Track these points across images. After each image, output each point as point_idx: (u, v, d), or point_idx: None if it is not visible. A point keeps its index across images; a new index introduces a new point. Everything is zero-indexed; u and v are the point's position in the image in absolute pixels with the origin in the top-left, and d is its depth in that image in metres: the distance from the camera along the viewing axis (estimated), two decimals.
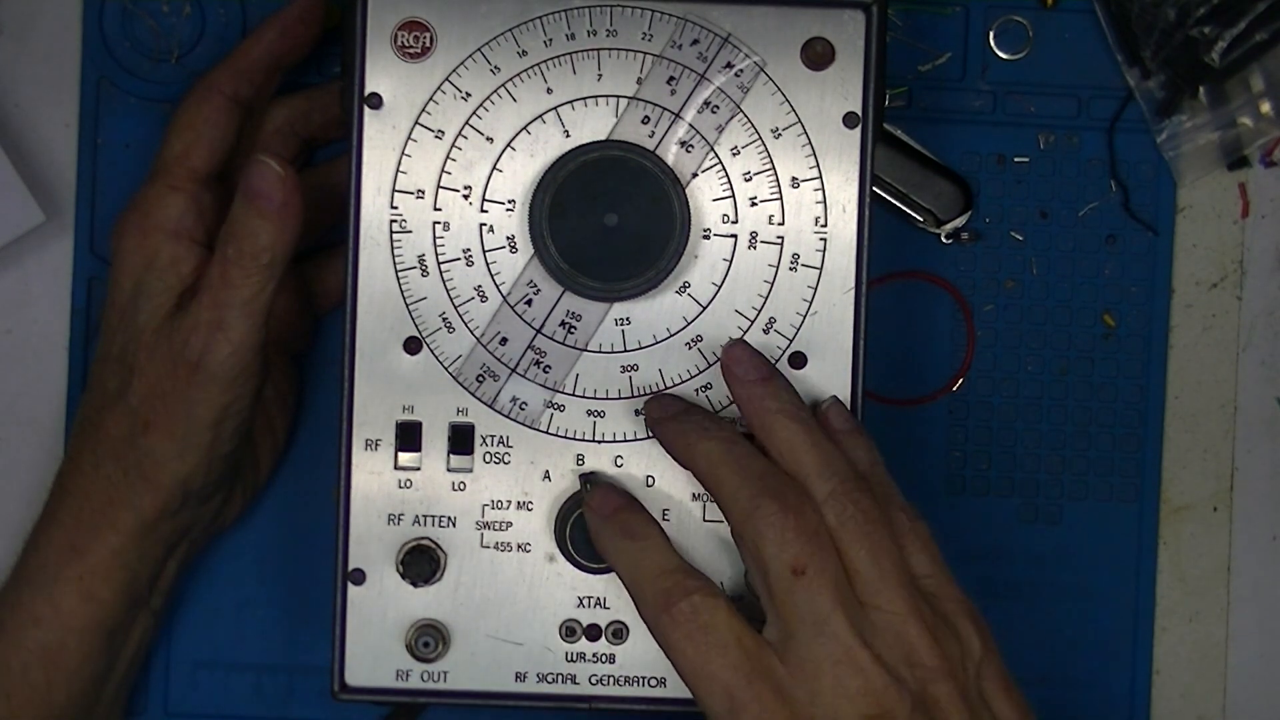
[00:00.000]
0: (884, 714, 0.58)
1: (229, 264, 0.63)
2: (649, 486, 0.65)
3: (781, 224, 0.65)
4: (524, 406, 0.65)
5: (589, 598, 0.65)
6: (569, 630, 0.65)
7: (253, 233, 0.62)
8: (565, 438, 0.65)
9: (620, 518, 0.62)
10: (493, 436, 0.65)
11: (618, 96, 0.64)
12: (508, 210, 0.64)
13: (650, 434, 0.64)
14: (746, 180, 0.65)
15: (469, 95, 0.64)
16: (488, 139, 0.64)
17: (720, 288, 0.65)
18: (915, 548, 0.61)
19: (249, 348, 0.63)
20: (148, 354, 0.64)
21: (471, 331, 0.64)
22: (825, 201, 0.65)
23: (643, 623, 0.60)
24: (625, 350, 0.64)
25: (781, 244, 0.65)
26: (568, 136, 0.64)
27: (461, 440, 0.65)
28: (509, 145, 0.64)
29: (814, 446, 0.61)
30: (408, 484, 0.65)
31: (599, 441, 0.65)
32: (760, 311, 0.65)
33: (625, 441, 0.65)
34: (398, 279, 0.64)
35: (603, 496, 0.63)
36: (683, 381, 0.65)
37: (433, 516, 0.65)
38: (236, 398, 0.64)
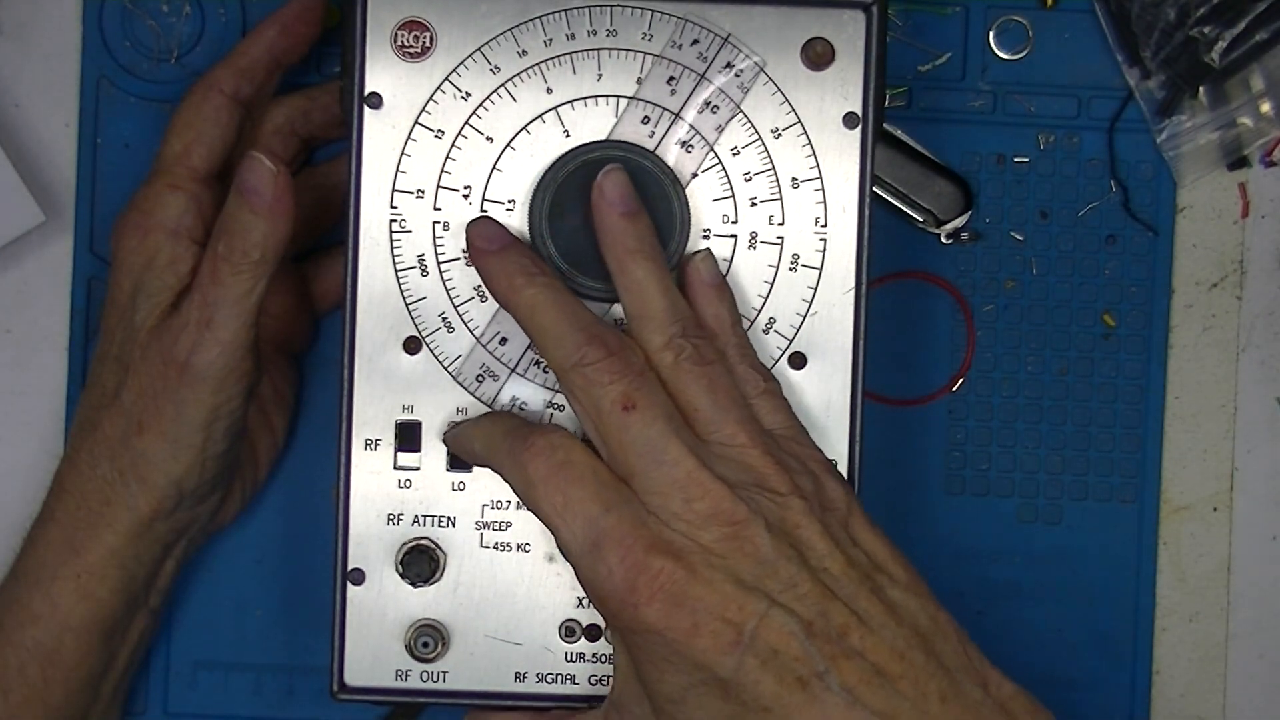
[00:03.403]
0: (738, 531, 0.58)
1: (219, 260, 0.63)
2: None
3: (781, 224, 0.65)
4: (524, 407, 0.64)
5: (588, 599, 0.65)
6: (568, 630, 0.65)
7: (244, 229, 0.62)
8: None
9: (468, 419, 0.64)
10: None
11: (618, 96, 0.64)
12: (508, 210, 0.64)
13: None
14: (746, 180, 0.65)
15: (469, 95, 0.64)
16: (488, 139, 0.64)
17: None
18: (768, 407, 0.62)
19: (238, 347, 0.63)
20: (141, 353, 0.64)
21: (471, 331, 0.64)
22: (825, 202, 0.65)
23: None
24: None
25: (781, 244, 0.65)
26: (568, 136, 0.64)
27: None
28: (509, 145, 0.64)
29: (663, 292, 0.61)
30: (407, 484, 0.65)
31: None
32: (760, 312, 0.65)
33: None
34: (397, 279, 0.64)
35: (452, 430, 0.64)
36: None
37: (432, 516, 0.65)
38: (228, 398, 0.64)
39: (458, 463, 0.65)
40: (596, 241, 0.62)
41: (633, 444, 0.59)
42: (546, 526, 0.60)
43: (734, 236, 0.65)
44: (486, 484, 0.65)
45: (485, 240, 0.62)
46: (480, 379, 0.64)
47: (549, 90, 0.64)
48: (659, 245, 0.62)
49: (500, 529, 0.65)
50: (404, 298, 0.64)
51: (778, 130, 0.65)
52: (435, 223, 0.64)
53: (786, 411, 0.62)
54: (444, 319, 0.64)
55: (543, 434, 0.60)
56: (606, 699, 0.62)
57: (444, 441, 0.64)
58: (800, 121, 0.64)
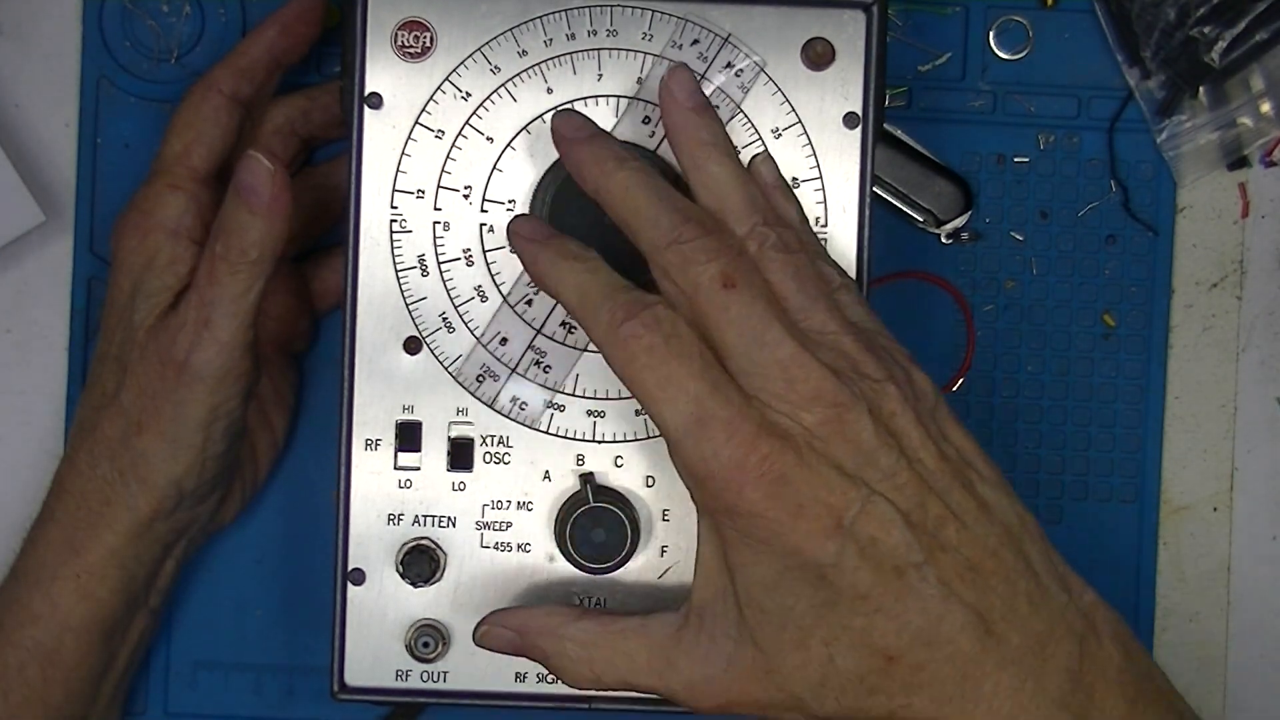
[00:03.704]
0: (841, 414, 0.57)
1: (217, 260, 0.63)
2: (649, 487, 0.65)
3: None
4: (524, 407, 0.64)
5: (589, 598, 0.65)
6: None
7: (241, 228, 0.62)
8: (565, 438, 0.65)
9: (556, 242, 0.60)
10: (493, 437, 0.65)
11: (618, 96, 0.64)
12: (508, 210, 0.64)
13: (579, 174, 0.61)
14: None
15: (469, 95, 0.64)
16: (488, 139, 0.64)
17: None
18: (849, 300, 0.60)
19: (236, 347, 0.63)
20: (140, 353, 0.64)
21: (471, 331, 0.64)
22: (825, 201, 0.65)
23: (593, 344, 0.59)
24: None
25: None
26: None
27: (461, 454, 0.65)
28: (509, 145, 0.64)
29: (741, 184, 0.60)
30: (407, 484, 0.65)
31: (599, 442, 0.65)
32: None
33: (625, 442, 0.65)
34: (398, 279, 0.64)
35: (532, 224, 0.61)
36: None
37: (432, 516, 0.65)
38: (226, 398, 0.64)
39: (458, 463, 0.65)
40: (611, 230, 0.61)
41: (732, 323, 0.57)
42: (640, 400, 0.58)
43: None
44: (487, 484, 0.65)
45: (574, 130, 0.61)
46: (480, 379, 0.64)
47: (549, 90, 0.64)
48: (730, 139, 0.62)
49: (500, 529, 0.65)
50: (404, 298, 0.64)
51: (778, 130, 0.64)
52: (435, 223, 0.64)
53: (867, 307, 0.61)
54: (444, 319, 0.64)
55: (648, 306, 0.58)
56: (685, 605, 0.60)
57: (509, 238, 0.61)
58: (800, 121, 0.64)
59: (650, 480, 0.65)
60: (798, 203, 0.63)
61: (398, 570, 0.64)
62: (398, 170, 0.64)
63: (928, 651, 0.57)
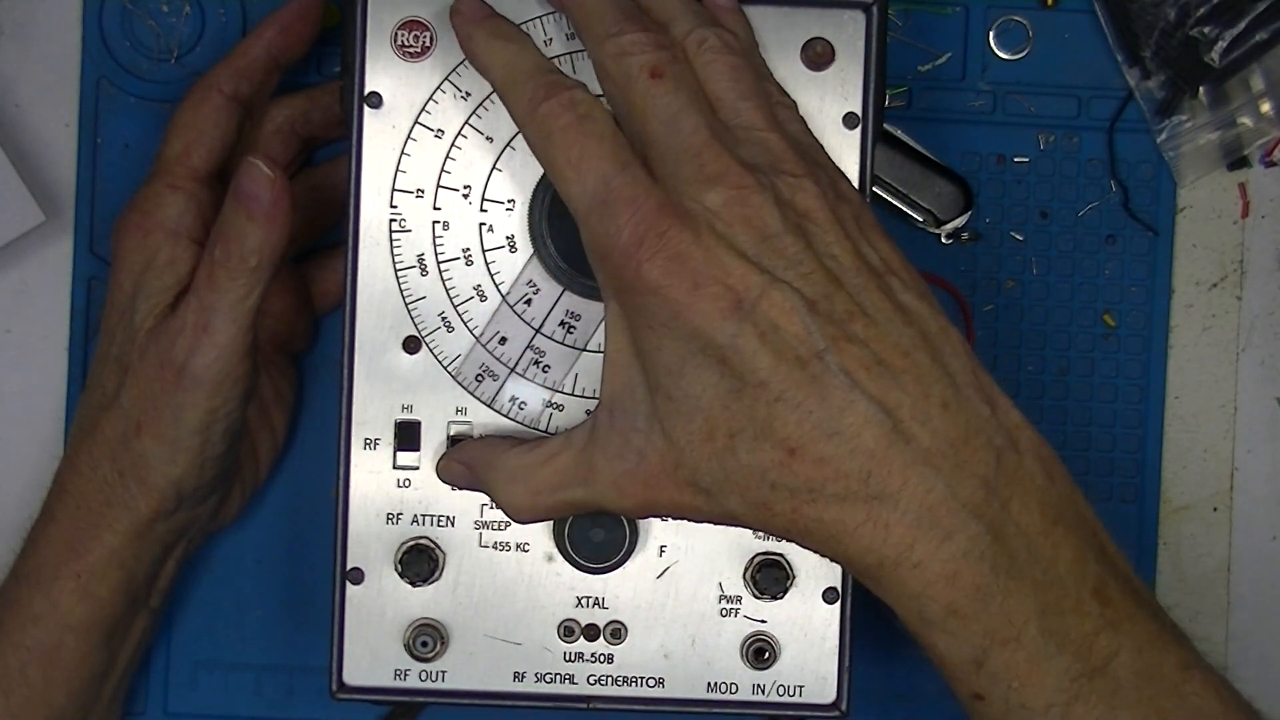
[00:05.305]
0: (745, 197, 0.57)
1: (216, 266, 0.63)
2: None
3: None
4: (523, 406, 0.64)
5: (587, 598, 0.65)
6: (567, 630, 0.65)
7: (241, 234, 0.62)
8: None
9: (491, 23, 0.62)
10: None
11: None
12: (507, 210, 0.64)
13: None
14: None
15: (469, 95, 0.64)
16: (487, 138, 0.64)
17: None
18: (787, 116, 0.61)
19: (235, 351, 0.63)
20: (139, 355, 0.64)
21: (471, 331, 0.64)
22: None
23: (529, 144, 0.60)
24: None
25: None
26: None
27: None
28: (509, 145, 0.64)
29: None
30: (406, 483, 0.65)
31: None
32: None
33: None
34: (397, 278, 0.64)
35: (472, 4, 0.62)
36: None
37: (431, 516, 0.65)
38: (224, 402, 0.64)
39: None
40: None
41: (654, 111, 0.58)
42: (555, 180, 0.59)
43: None
44: None
45: None
46: (480, 378, 0.65)
47: None
48: None
49: (499, 528, 0.65)
50: (404, 297, 0.64)
51: None
52: (435, 222, 0.64)
53: (805, 125, 0.62)
54: (444, 319, 0.64)
55: (567, 87, 0.59)
56: (598, 404, 0.60)
57: (450, 17, 0.62)
58: None
59: None
60: (746, 23, 0.63)
61: (397, 569, 0.64)
62: (397, 170, 0.64)
63: (831, 445, 0.56)
